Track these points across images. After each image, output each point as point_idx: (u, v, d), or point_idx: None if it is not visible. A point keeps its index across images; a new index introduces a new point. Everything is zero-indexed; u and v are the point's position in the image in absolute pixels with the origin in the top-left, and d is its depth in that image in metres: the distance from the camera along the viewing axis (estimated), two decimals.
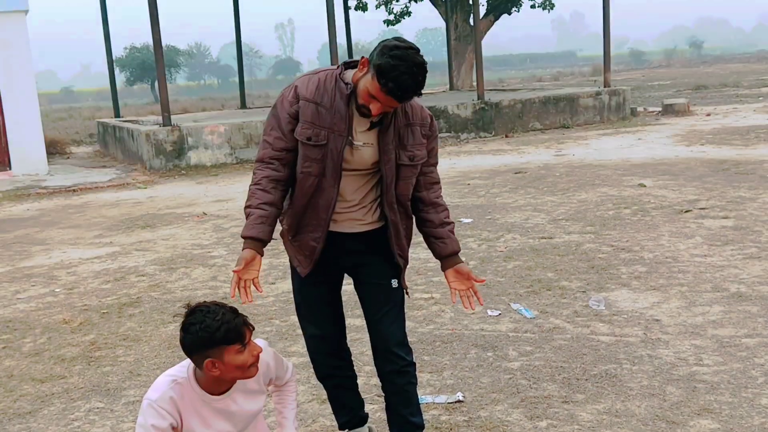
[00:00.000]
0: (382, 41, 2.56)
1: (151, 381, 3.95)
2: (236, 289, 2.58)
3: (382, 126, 2.65)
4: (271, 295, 5.40)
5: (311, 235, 2.73)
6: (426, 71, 2.53)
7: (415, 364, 2.91)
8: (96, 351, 4.52)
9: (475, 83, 18.09)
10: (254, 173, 2.72)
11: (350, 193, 2.71)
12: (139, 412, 2.45)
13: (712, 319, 4.34)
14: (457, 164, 11.50)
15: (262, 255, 2.64)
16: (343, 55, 20.78)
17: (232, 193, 10.17)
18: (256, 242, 2.61)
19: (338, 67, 2.68)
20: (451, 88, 22.34)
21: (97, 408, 3.74)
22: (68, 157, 16.54)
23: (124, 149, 14.79)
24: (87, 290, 5.87)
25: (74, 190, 11.45)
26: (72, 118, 30.69)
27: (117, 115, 17.91)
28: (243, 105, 20.07)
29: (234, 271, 2.57)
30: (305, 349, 3.14)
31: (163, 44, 13.28)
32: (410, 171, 2.74)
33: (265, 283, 5.70)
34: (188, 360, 2.46)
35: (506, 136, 14.84)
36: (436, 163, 2.87)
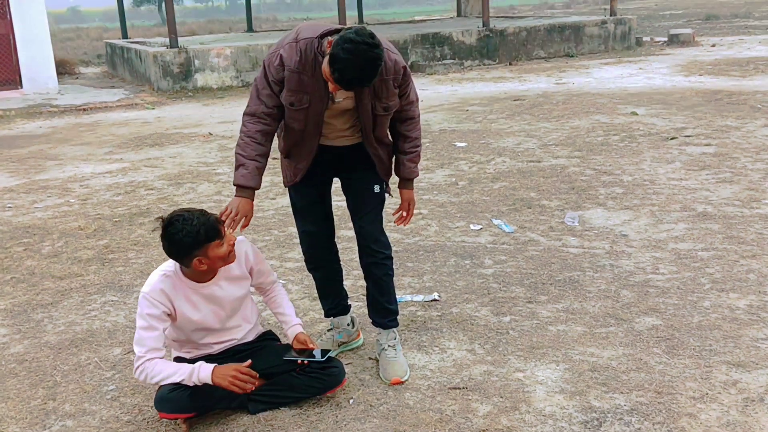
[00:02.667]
0: (347, 28, 2.76)
1: None
2: (229, 222, 2.90)
3: None
4: (271, 209, 5.78)
5: (300, 162, 3.13)
6: (377, 65, 2.71)
7: (392, 258, 3.30)
8: (109, 254, 4.94)
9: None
10: (245, 125, 2.97)
11: (338, 124, 3.07)
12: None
13: (674, 235, 4.71)
14: (458, 91, 11.71)
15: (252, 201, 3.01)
16: None
17: (237, 115, 10.43)
18: (251, 191, 2.98)
19: (317, 37, 2.87)
20: (459, 14, 22.20)
21: (112, 301, 4.18)
22: (77, 77, 16.77)
23: (132, 70, 15.00)
24: (100, 201, 6.28)
25: (84, 109, 11.76)
26: (80, 38, 30.65)
27: (125, 36, 18.02)
28: (250, 28, 20.09)
29: (231, 218, 2.90)
30: (300, 255, 3.53)
31: None
32: (385, 118, 3.07)
33: (266, 198, 6.08)
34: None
35: (510, 64, 14.95)
36: (413, 101, 3.14)
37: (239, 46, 13.64)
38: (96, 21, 59.88)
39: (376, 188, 3.21)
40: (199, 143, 8.62)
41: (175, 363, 2.87)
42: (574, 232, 4.88)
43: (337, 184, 3.32)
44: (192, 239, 2.73)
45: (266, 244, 4.98)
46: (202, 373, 2.78)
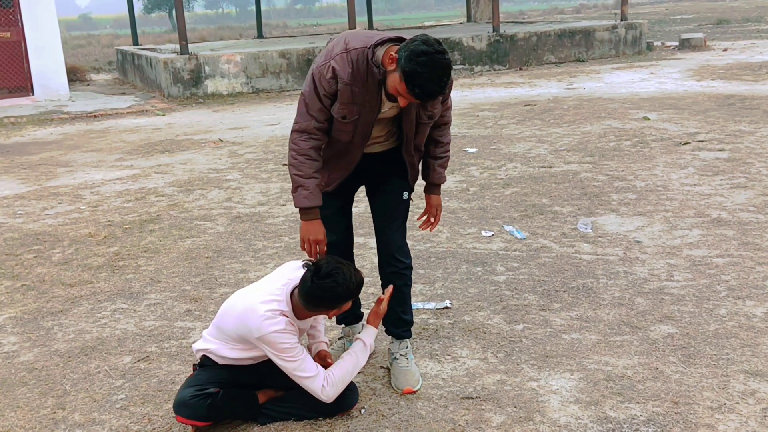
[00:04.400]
0: (411, 41, 2.69)
1: (170, 288, 4.38)
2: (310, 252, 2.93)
3: None
4: (281, 215, 5.76)
5: (336, 172, 3.06)
6: (450, 70, 2.71)
7: (412, 267, 3.27)
8: (120, 261, 4.93)
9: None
10: (296, 143, 2.87)
11: (375, 131, 3.01)
12: (263, 345, 2.76)
13: (689, 242, 4.65)
14: (468, 96, 11.67)
15: None
16: None
17: (248, 121, 10.47)
18: (317, 211, 2.92)
19: (369, 47, 2.80)
20: (469, 19, 22.17)
21: (122, 308, 4.16)
22: (88, 84, 16.85)
23: (143, 77, 15.05)
24: (110, 208, 6.27)
25: (95, 116, 11.79)
26: (91, 45, 30.83)
27: (135, 42, 18.09)
28: (260, 35, 20.14)
29: (312, 242, 2.92)
30: None
31: None
32: (427, 126, 3.04)
33: (277, 204, 6.06)
34: (281, 293, 2.80)
35: (520, 69, 14.91)
36: (449, 107, 3.12)
37: (249, 52, 13.66)
38: (107, 28, 60.28)
39: (405, 195, 3.18)
40: (210, 150, 8.62)
41: (344, 359, 2.91)
42: (587, 239, 4.83)
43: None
44: (347, 295, 2.77)
45: (276, 251, 4.95)
46: (371, 335, 3.03)
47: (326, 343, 3.13)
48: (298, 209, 2.94)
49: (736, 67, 12.95)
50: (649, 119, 8.68)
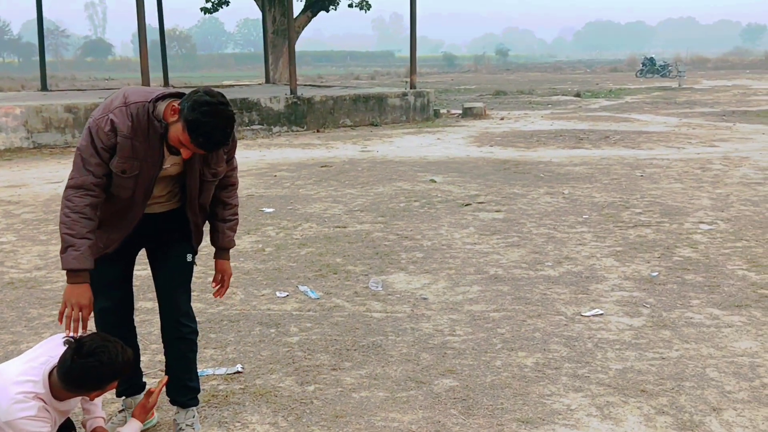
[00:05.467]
0: (194, 92, 2.70)
1: None
2: (69, 324, 2.70)
3: None
4: (61, 280, 5.38)
5: (115, 233, 2.92)
6: (234, 122, 2.73)
7: (197, 332, 3.18)
8: None
9: None
10: (70, 200, 2.73)
11: (157, 190, 2.93)
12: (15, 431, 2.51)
13: (470, 297, 4.97)
14: (266, 156, 11.75)
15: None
16: (155, 41, 20.25)
17: (27, 179, 9.74)
18: (86, 274, 2.74)
19: (150, 101, 2.77)
20: (267, 81, 22.47)
21: None
22: None
23: None
24: None
25: None
26: None
27: None
28: (44, 87, 18.97)
29: (76, 305, 2.70)
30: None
31: None
32: (212, 184, 3.01)
33: (56, 268, 5.66)
34: (38, 374, 2.58)
35: (317, 131, 15.29)
36: (235, 167, 3.11)
37: (31, 105, 12.80)
38: None
39: (189, 257, 3.10)
40: None
41: None
42: (377, 297, 5.00)
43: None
44: (113, 376, 2.57)
45: (53, 319, 4.60)
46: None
47: (103, 418, 2.93)
48: (65, 271, 2.77)
49: (511, 135, 14.21)
50: (435, 182, 9.23)
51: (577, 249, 6.10)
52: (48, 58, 19.91)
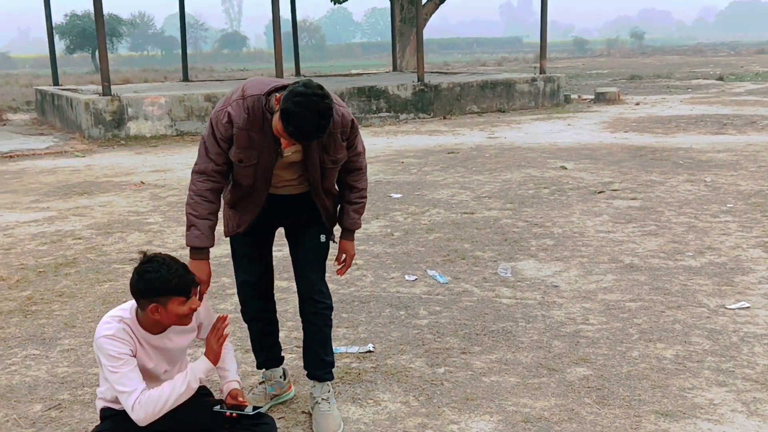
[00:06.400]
0: (294, 83, 2.76)
1: (85, 333, 4.24)
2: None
3: None
4: None
5: (246, 214, 3.09)
6: (329, 116, 2.73)
7: (332, 308, 3.27)
8: (32, 305, 4.75)
9: None
10: (194, 183, 2.94)
11: (286, 175, 3.05)
12: (98, 352, 2.67)
13: (603, 286, 4.82)
14: (393, 143, 11.86)
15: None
16: (287, 32, 20.89)
17: (171, 164, 10.33)
18: (206, 252, 2.93)
19: (264, 93, 2.87)
20: (395, 68, 22.64)
21: (34, 355, 4.00)
22: (5, 124, 16.32)
23: (63, 117, 14.70)
24: (24, 251, 6.05)
25: (11, 156, 11.42)
26: (9, 84, 29.97)
27: (56, 83, 17.68)
28: (185, 78, 20.02)
29: (198, 281, 2.81)
30: (233, 307, 3.47)
31: (105, 13, 13.23)
32: (333, 170, 3.08)
33: None
34: (128, 304, 2.76)
35: (444, 118, 15.27)
36: (360, 152, 3.15)
37: (174, 95, 13.55)
38: (26, 67, 58.70)
39: (322, 237, 3.20)
40: (130, 192, 8.45)
41: (164, 384, 2.74)
42: (507, 283, 4.94)
43: (279, 232, 3.29)
44: (161, 284, 2.64)
45: None
46: (199, 367, 2.79)
47: (238, 381, 3.05)
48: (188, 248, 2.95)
49: (647, 120, 13.62)
50: (566, 168, 9.00)
51: (720, 239, 5.78)
52: (189, 50, 20.97)
